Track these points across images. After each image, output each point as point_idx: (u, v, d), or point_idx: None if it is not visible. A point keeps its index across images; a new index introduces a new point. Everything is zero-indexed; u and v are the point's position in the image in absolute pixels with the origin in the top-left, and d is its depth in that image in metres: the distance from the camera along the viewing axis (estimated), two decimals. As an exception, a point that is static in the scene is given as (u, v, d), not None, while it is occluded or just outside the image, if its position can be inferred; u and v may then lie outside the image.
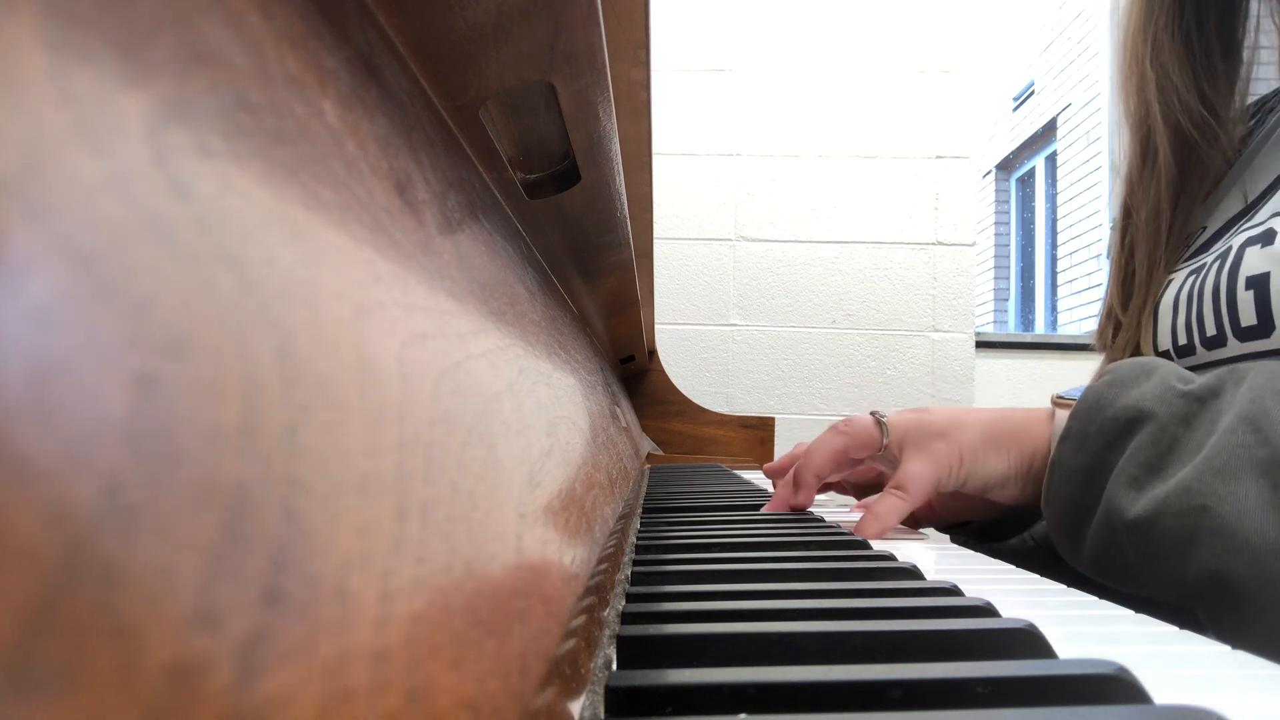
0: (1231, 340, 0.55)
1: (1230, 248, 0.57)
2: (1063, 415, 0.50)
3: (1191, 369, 0.60)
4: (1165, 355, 0.63)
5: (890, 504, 0.52)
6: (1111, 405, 0.46)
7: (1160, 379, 0.46)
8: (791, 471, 0.73)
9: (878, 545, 0.47)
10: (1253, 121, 0.66)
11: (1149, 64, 0.66)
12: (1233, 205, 0.64)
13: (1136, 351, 0.67)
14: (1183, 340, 0.61)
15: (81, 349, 0.07)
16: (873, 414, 0.56)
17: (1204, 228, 0.66)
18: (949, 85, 1.87)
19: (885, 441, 0.55)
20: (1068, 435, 0.47)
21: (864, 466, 0.64)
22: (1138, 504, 0.41)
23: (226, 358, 0.09)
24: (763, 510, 0.58)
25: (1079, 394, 0.49)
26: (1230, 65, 0.66)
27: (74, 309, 0.07)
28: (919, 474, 0.52)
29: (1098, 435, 0.45)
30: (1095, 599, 0.33)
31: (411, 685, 0.11)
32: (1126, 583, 0.44)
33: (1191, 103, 0.64)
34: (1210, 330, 0.57)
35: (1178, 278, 0.64)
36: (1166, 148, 0.66)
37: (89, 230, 0.08)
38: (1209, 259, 0.60)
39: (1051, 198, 5.07)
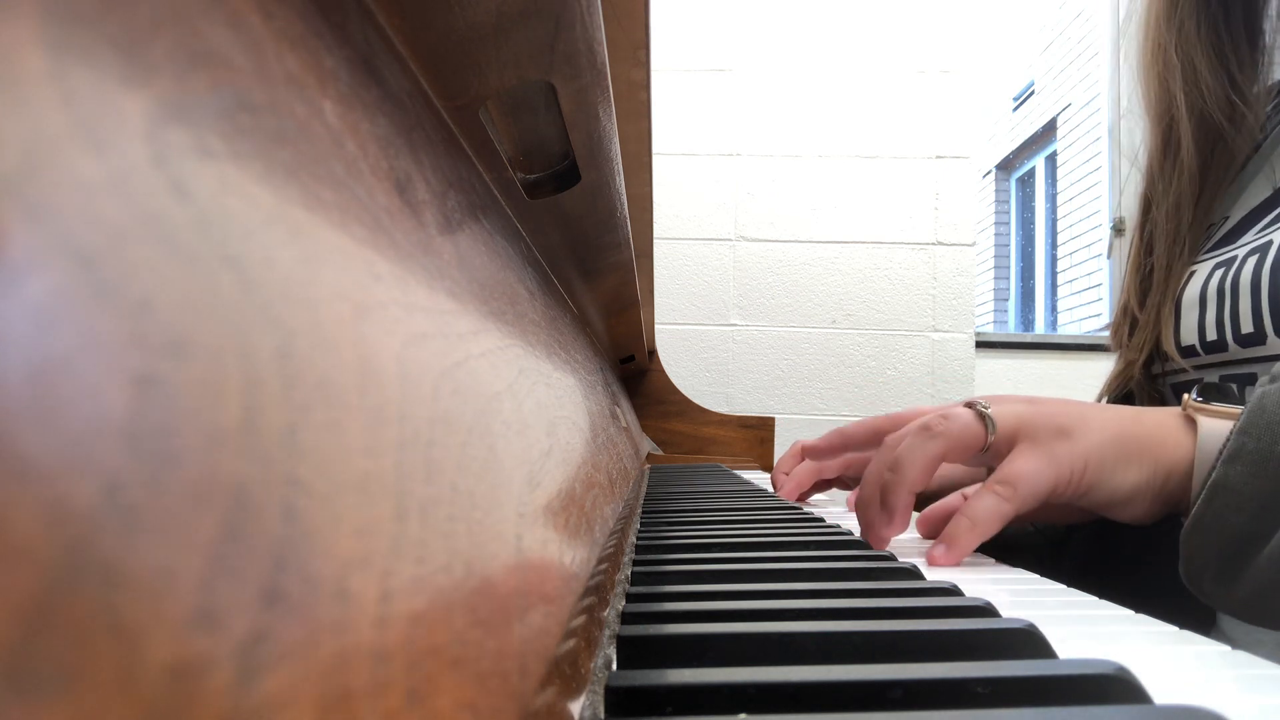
0: (1272, 338, 0.53)
1: (1271, 242, 0.54)
2: (1211, 425, 0.42)
3: (1224, 364, 0.58)
4: (1189, 351, 0.61)
5: (989, 505, 0.42)
6: None
7: None
8: (804, 465, 0.71)
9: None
10: (1270, 106, 0.65)
11: (1174, 53, 0.65)
12: (1259, 192, 0.62)
13: (1155, 349, 0.65)
14: (1212, 336, 0.58)
15: (81, 349, 0.07)
16: (969, 404, 0.45)
17: (1226, 217, 0.64)
18: (949, 85, 1.87)
19: (991, 438, 0.44)
20: (1238, 455, 0.39)
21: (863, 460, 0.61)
22: None
23: (226, 358, 0.09)
24: (780, 494, 0.56)
25: (1219, 401, 0.43)
26: (1254, 50, 0.64)
27: (74, 309, 0.07)
28: (1033, 473, 0.42)
29: None
30: (1095, 599, 0.34)
31: (411, 685, 0.11)
32: None
33: (1219, 90, 0.63)
34: (1247, 327, 0.55)
35: (1201, 270, 0.62)
36: (1190, 139, 0.64)
37: (89, 230, 0.08)
38: (1240, 251, 0.58)
39: (1051, 198, 5.07)
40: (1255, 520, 0.38)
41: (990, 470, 0.45)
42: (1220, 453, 0.40)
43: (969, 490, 0.50)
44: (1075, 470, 0.43)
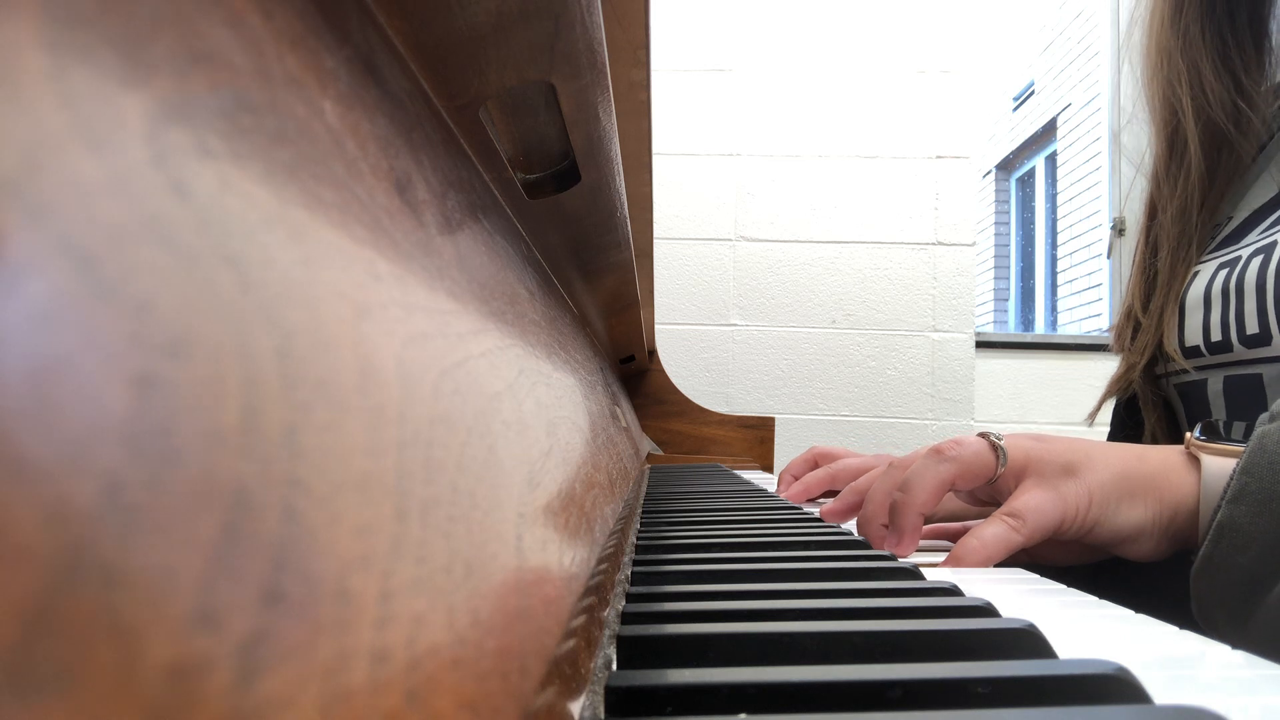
0: (1278, 339, 0.53)
1: (1275, 243, 0.55)
2: (1214, 464, 0.43)
3: (1229, 364, 0.58)
4: (1193, 352, 0.61)
5: (999, 532, 0.42)
6: None
7: None
8: (818, 472, 0.71)
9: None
10: (1277, 105, 0.65)
11: (1180, 58, 0.64)
12: (1262, 193, 0.62)
13: (1158, 350, 0.65)
14: (1217, 337, 0.59)
15: (81, 349, 0.07)
16: (983, 435, 0.46)
17: (1230, 217, 0.64)
18: (949, 85, 1.87)
19: (1001, 469, 0.45)
20: (1242, 495, 0.39)
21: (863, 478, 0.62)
22: None
23: (226, 358, 0.09)
24: (784, 494, 0.56)
25: (1220, 437, 0.43)
26: (1260, 51, 0.64)
27: (74, 309, 0.07)
28: (1041, 506, 0.43)
29: None
30: (1095, 599, 0.33)
31: (411, 685, 0.11)
32: None
33: (1225, 95, 0.63)
34: (1252, 328, 0.55)
35: (1205, 270, 0.62)
36: (1196, 144, 0.64)
37: (89, 230, 0.08)
38: (1244, 252, 0.58)
39: (1051, 198, 5.07)
40: (1261, 560, 0.38)
41: (995, 506, 0.46)
42: (1224, 492, 0.40)
43: (969, 524, 0.50)
44: (1080, 506, 0.43)
